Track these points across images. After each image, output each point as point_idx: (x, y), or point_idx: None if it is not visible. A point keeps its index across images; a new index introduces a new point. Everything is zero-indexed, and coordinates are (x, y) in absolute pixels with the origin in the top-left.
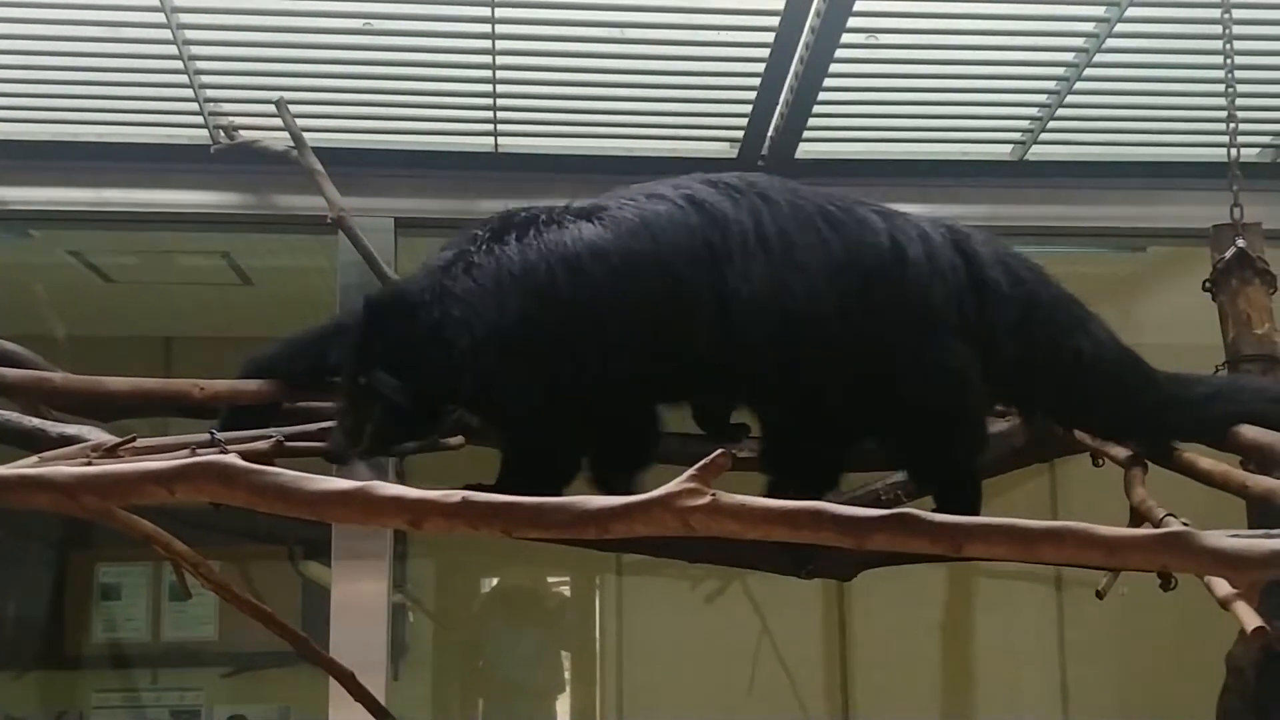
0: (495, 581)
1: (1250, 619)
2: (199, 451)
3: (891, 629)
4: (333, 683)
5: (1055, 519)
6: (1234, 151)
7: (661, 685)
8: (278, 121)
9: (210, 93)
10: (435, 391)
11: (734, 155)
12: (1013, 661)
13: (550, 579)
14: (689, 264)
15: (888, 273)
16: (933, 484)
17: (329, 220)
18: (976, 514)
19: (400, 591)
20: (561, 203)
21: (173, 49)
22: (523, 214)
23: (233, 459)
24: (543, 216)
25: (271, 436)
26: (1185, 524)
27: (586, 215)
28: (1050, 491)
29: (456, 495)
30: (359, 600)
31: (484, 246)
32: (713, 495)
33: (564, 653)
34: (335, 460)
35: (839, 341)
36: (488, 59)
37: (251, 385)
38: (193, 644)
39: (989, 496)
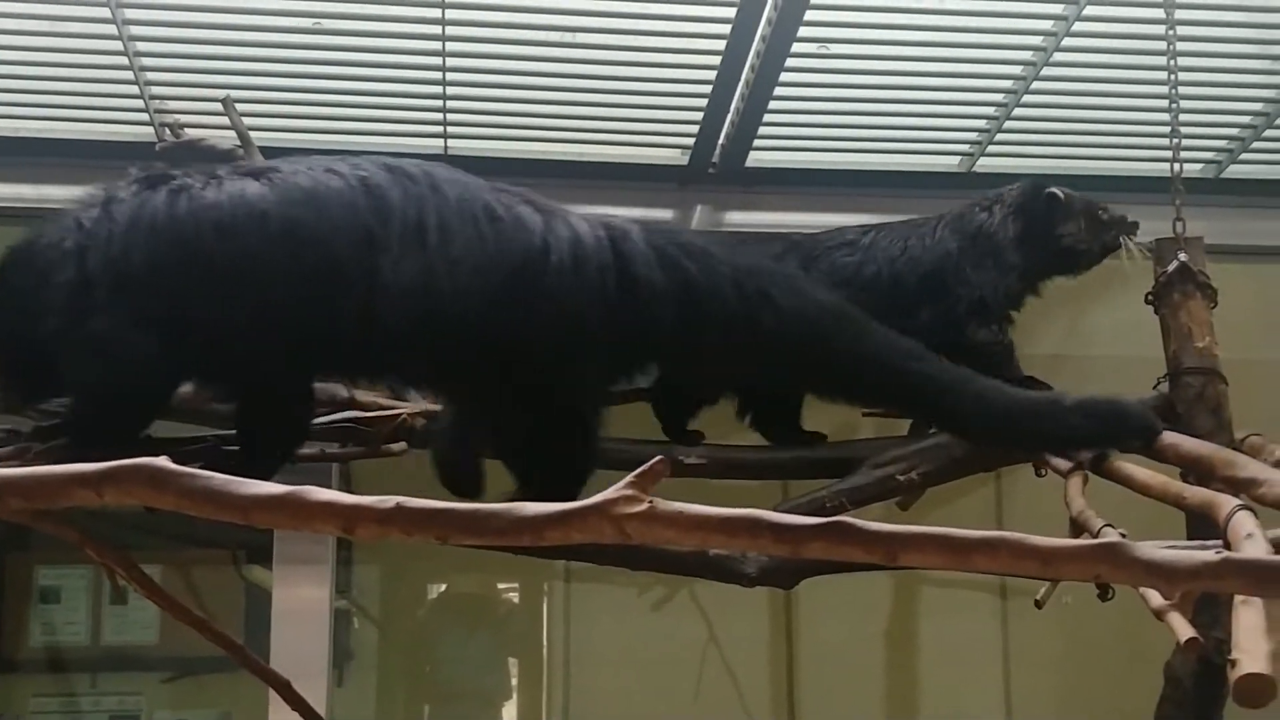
0: (442, 587)
1: (1184, 630)
2: None
3: (837, 636)
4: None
5: (1000, 529)
6: (1177, 166)
7: (608, 692)
8: (224, 120)
9: (156, 89)
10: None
11: (685, 162)
12: (957, 669)
13: (498, 585)
14: (348, 245)
15: (530, 273)
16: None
17: None
18: None
19: (344, 597)
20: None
21: (118, 44)
22: (182, 172)
23: (163, 461)
24: (206, 172)
25: (206, 440)
26: (1123, 535)
27: (255, 174)
28: (995, 501)
29: (390, 501)
30: (300, 605)
31: (134, 189)
32: (650, 502)
33: (511, 659)
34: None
35: (484, 339)
36: (438, 60)
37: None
38: (133, 648)
39: (934, 505)
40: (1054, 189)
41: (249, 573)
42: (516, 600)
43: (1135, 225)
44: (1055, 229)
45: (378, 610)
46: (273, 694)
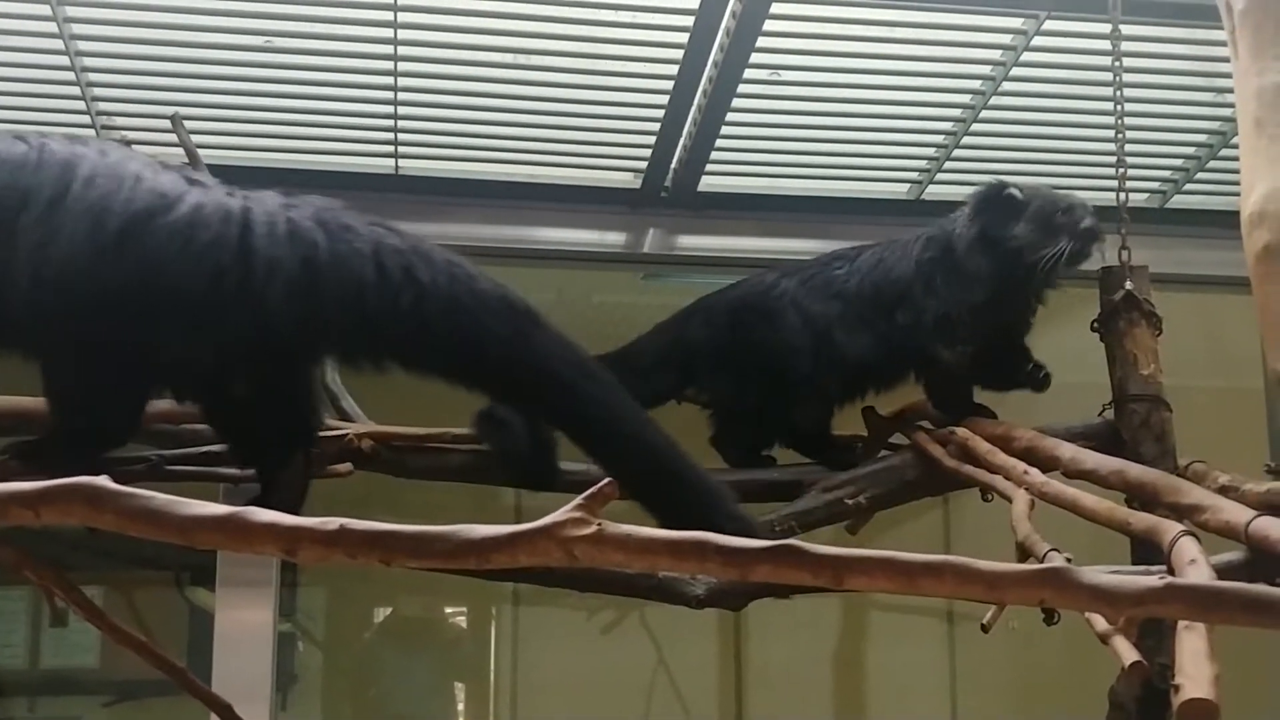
0: (388, 610)
1: (1128, 654)
2: None
3: (786, 660)
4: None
5: (948, 553)
6: (1123, 196)
7: (556, 717)
8: (173, 137)
9: (103, 105)
10: None
11: (638, 185)
12: (904, 693)
13: (446, 609)
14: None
15: (139, 231)
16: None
17: None
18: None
19: (289, 620)
20: None
21: (64, 59)
22: None
23: (102, 481)
24: None
25: (149, 459)
26: (1068, 559)
27: None
28: (944, 525)
29: (334, 523)
30: (243, 628)
31: None
32: (598, 525)
33: (457, 683)
34: None
35: (86, 290)
36: (390, 80)
37: None
38: (73, 672)
39: (883, 529)
40: (1013, 188)
41: (193, 595)
42: (464, 624)
43: (1093, 233)
44: (1006, 231)
45: (323, 633)
46: (214, 718)
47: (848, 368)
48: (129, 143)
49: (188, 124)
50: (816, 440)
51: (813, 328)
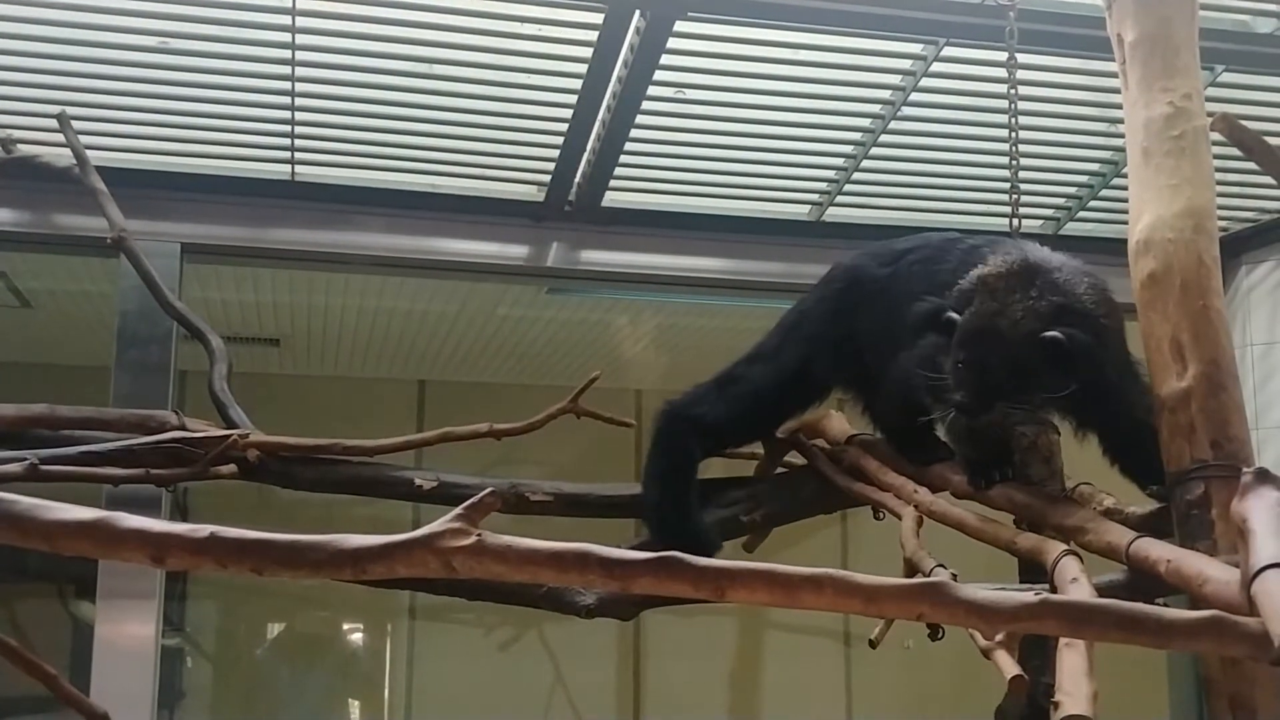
0: (282, 626)
1: (1009, 668)
2: None
3: (683, 679)
4: None
5: (847, 570)
6: (1017, 221)
7: None
8: (60, 137)
9: None
10: None
11: (541, 199)
12: (801, 711)
13: (341, 624)
14: None
15: None
16: None
17: (109, 241)
18: None
19: (177, 634)
20: None
21: None
22: None
23: None
24: None
25: (25, 459)
26: (954, 576)
27: None
28: (842, 542)
29: (205, 530)
30: (124, 642)
31: None
32: (478, 535)
33: (352, 700)
34: None
35: None
36: (287, 85)
37: (8, 410)
38: None
39: (781, 546)
40: (951, 311)
41: (76, 608)
42: (359, 639)
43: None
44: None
45: (213, 648)
46: None
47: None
48: (15, 141)
49: (76, 124)
50: (903, 434)
51: None
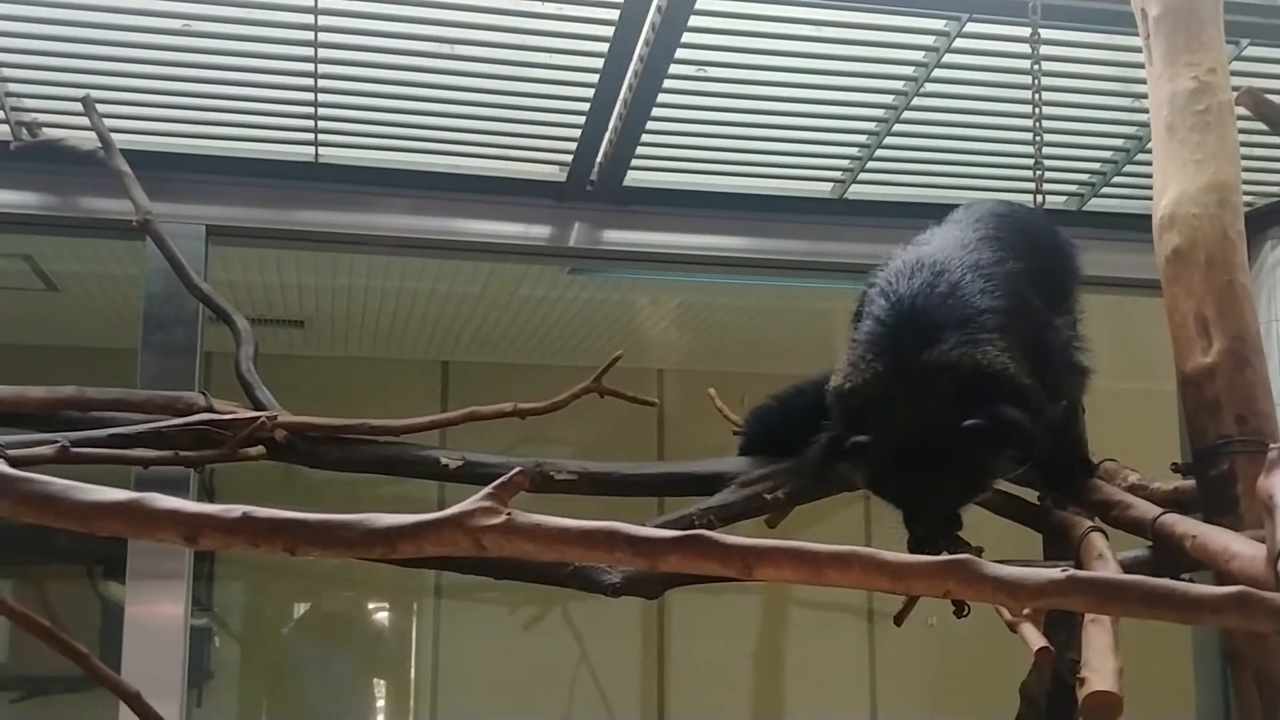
0: (309, 605)
1: (1035, 640)
2: None
3: (707, 657)
4: (124, 708)
5: (869, 546)
6: (1040, 198)
7: (476, 713)
8: (85, 120)
9: (12, 86)
10: None
11: (563, 179)
12: (825, 689)
13: (366, 603)
14: None
15: None
16: None
17: (134, 224)
18: None
19: (205, 614)
20: None
21: None
22: None
23: None
24: None
25: (56, 441)
26: (979, 551)
27: None
28: (865, 520)
29: (237, 510)
30: (154, 622)
31: None
32: (508, 514)
33: (378, 679)
34: None
35: None
36: (310, 66)
37: (39, 392)
38: None
39: (806, 523)
40: None
41: (105, 589)
42: (385, 619)
43: None
44: None
45: (240, 628)
46: (123, 713)
47: None
48: (40, 125)
49: (101, 108)
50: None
51: None
